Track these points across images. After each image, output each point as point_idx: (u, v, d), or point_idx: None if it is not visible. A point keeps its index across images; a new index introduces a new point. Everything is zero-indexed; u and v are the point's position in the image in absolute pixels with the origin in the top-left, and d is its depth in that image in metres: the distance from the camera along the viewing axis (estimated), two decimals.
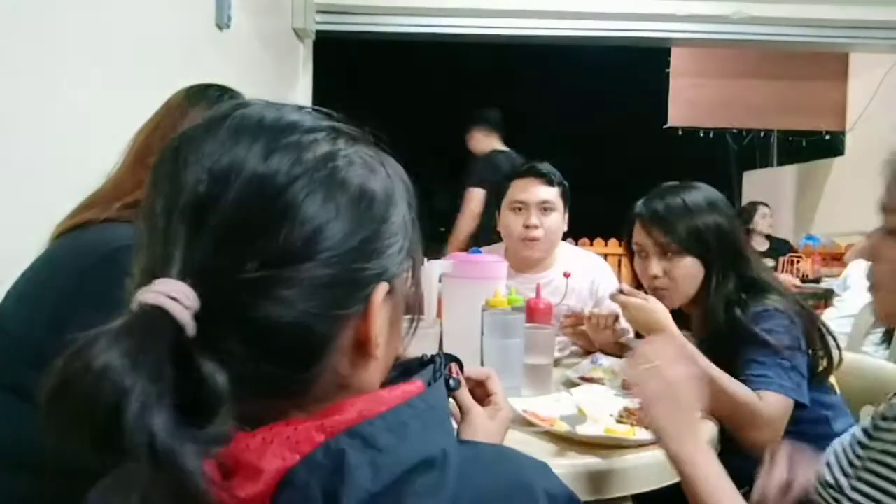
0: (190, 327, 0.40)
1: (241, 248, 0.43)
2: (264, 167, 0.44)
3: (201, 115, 0.71)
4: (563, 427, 1.11)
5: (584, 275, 2.08)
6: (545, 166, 2.05)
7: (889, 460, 0.74)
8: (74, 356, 0.38)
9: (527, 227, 2.01)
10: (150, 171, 0.48)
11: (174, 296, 0.40)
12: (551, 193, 2.03)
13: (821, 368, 1.34)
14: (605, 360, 1.56)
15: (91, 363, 0.37)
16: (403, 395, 0.48)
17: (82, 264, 0.93)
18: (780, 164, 6.90)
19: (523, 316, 1.32)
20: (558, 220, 2.05)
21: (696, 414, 0.89)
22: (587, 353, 1.82)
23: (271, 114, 0.47)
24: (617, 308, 1.54)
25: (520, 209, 2.04)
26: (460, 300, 1.46)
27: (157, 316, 0.40)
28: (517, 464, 0.51)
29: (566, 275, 1.93)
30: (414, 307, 0.55)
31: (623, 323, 1.68)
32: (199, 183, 0.44)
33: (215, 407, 0.40)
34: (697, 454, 0.84)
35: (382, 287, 0.48)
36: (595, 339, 1.76)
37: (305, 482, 0.42)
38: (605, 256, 2.34)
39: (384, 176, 0.50)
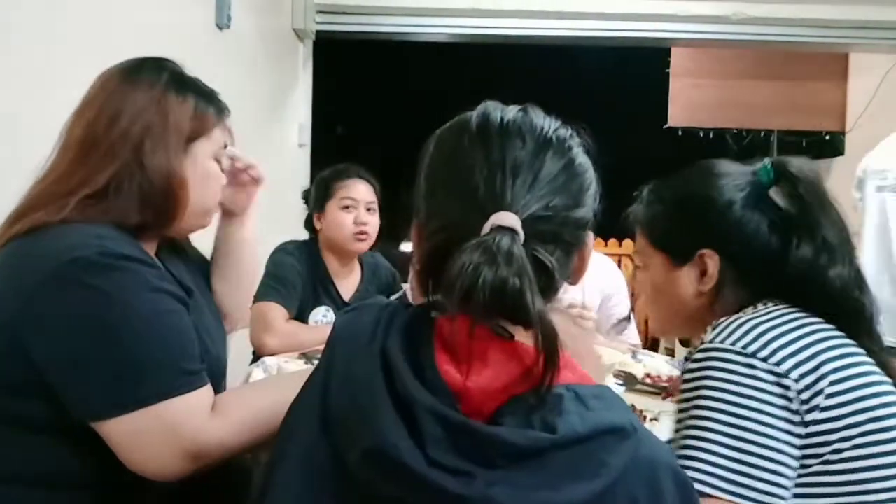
0: (522, 238, 0.62)
1: (543, 194, 0.66)
2: (553, 133, 0.70)
3: (148, 93, 0.99)
4: None
5: (592, 272, 2.10)
6: None
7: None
8: (467, 273, 0.58)
9: None
10: (441, 150, 0.72)
11: (512, 222, 0.62)
12: None
13: None
14: (648, 359, 1.61)
15: (487, 275, 0.58)
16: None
17: (29, 283, 0.87)
18: None
19: None
20: None
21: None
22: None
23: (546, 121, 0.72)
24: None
25: None
26: None
27: (507, 232, 0.61)
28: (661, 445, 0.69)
29: None
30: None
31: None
32: (516, 157, 0.67)
33: (551, 281, 0.65)
34: None
35: (591, 233, 0.73)
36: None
37: (530, 406, 0.60)
38: (606, 256, 2.35)
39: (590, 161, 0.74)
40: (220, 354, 1.13)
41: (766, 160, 1.03)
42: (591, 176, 0.72)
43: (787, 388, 0.85)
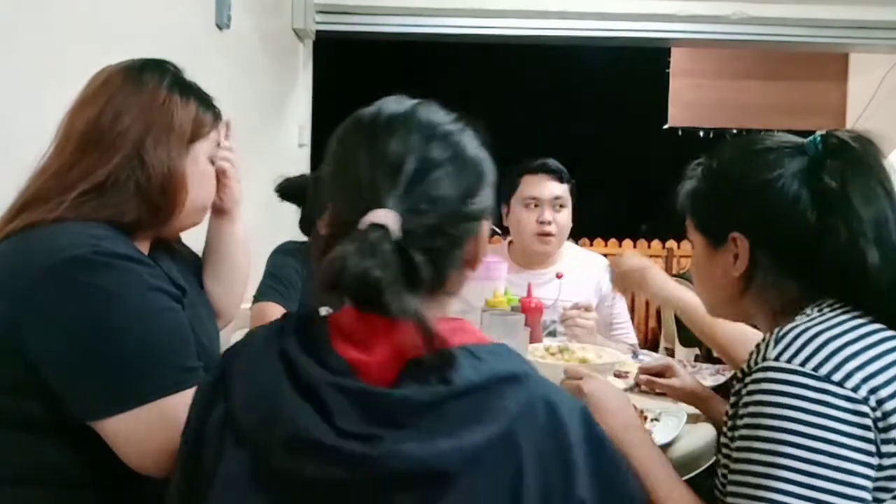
0: (397, 234, 0.63)
1: (424, 189, 0.67)
2: (441, 128, 0.70)
3: (153, 93, 1.01)
4: None
5: (590, 273, 2.10)
6: (555, 163, 2.09)
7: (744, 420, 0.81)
8: (335, 263, 0.60)
9: (541, 222, 2.03)
10: (337, 144, 0.72)
11: (385, 219, 0.63)
12: (563, 189, 2.08)
13: None
14: (648, 359, 1.61)
15: (351, 266, 0.60)
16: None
17: (26, 282, 0.87)
18: None
19: (524, 316, 1.32)
20: (569, 216, 2.08)
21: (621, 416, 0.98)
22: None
23: (434, 114, 0.72)
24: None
25: (534, 205, 2.06)
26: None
27: (380, 229, 0.62)
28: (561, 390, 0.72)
29: (558, 276, 1.94)
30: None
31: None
32: (399, 152, 0.67)
33: (422, 280, 0.65)
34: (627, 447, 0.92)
35: (486, 222, 0.74)
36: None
37: (427, 367, 0.63)
38: (605, 256, 2.35)
39: (486, 153, 0.74)
40: (216, 352, 1.14)
41: (819, 132, 0.94)
42: (485, 169, 0.73)
43: (864, 415, 0.76)
